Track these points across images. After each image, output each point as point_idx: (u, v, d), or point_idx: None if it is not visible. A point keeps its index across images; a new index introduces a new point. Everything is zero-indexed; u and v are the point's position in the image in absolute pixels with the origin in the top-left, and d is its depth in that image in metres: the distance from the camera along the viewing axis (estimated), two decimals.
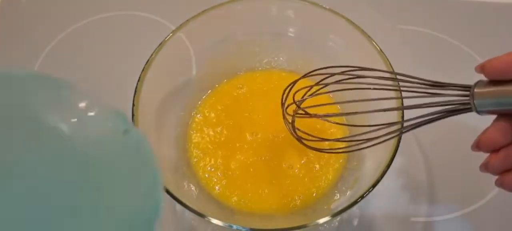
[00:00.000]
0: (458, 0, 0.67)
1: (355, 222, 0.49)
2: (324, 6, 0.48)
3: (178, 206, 0.38)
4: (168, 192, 0.38)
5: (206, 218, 0.37)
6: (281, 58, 0.55)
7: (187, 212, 0.38)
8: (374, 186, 0.38)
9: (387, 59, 0.44)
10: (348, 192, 0.43)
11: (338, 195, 0.45)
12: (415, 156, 0.53)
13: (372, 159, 0.41)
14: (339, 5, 0.49)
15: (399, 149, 0.39)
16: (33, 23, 0.66)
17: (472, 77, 0.35)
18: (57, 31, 0.65)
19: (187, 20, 0.47)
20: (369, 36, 0.46)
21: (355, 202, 0.38)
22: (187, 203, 0.38)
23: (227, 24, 0.50)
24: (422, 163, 0.53)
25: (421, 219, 0.49)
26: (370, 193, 0.38)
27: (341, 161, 0.48)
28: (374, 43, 0.45)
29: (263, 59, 0.55)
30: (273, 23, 0.52)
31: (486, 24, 0.65)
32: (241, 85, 0.54)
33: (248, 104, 0.52)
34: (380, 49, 0.45)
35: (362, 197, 0.38)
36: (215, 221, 0.37)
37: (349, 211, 0.38)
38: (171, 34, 0.46)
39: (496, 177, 0.34)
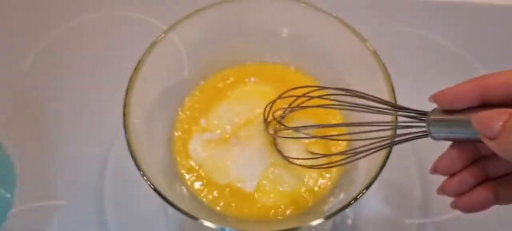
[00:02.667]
0: (454, 2, 0.67)
1: (349, 224, 0.49)
2: (317, 7, 0.48)
3: (170, 209, 0.38)
4: (159, 194, 0.38)
5: (198, 221, 0.37)
6: (274, 59, 0.54)
7: (179, 214, 0.37)
8: (367, 188, 0.38)
9: (381, 61, 0.44)
10: (341, 194, 0.43)
11: (331, 197, 0.44)
12: (409, 158, 0.53)
13: (365, 162, 0.40)
14: (333, 6, 0.48)
15: (393, 151, 0.39)
16: (22, 23, 0.65)
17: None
18: (44, 32, 0.64)
19: (179, 20, 0.47)
20: (363, 38, 0.45)
21: (348, 204, 0.37)
22: (179, 205, 0.37)
23: (219, 24, 0.50)
24: (416, 165, 0.53)
25: (415, 221, 0.49)
26: (364, 195, 0.38)
27: None
28: (368, 44, 0.45)
29: (256, 59, 0.54)
30: (265, 24, 0.51)
31: (483, 27, 0.65)
32: None
33: None
34: (374, 50, 0.44)
35: (355, 199, 0.37)
36: (207, 223, 0.37)
37: (342, 213, 0.38)
38: (162, 34, 0.46)
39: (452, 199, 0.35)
